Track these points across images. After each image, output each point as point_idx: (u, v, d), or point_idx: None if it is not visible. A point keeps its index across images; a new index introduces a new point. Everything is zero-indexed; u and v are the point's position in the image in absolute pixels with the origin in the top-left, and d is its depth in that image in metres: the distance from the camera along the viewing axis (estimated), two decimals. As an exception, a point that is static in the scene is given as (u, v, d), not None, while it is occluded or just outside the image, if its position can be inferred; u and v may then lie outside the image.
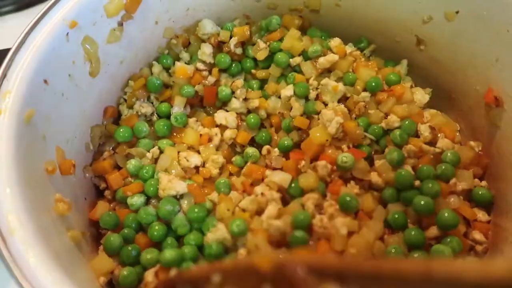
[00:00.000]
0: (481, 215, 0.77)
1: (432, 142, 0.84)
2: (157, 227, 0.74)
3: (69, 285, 0.51)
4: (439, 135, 0.85)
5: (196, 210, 0.75)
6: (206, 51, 0.95)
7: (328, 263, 0.47)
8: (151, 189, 0.78)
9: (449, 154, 0.80)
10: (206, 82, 0.94)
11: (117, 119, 0.92)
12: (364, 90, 0.89)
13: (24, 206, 0.55)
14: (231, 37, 0.96)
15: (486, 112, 0.82)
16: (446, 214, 0.73)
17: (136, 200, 0.78)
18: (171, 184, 0.75)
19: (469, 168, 0.82)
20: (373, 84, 0.88)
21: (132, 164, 0.82)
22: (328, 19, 1.01)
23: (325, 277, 0.44)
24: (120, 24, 0.84)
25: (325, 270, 0.45)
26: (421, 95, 0.91)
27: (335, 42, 0.94)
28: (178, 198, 0.77)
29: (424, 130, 0.85)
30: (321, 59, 0.91)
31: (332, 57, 0.90)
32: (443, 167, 0.78)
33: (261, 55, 0.94)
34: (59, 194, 0.67)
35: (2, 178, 0.56)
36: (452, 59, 0.87)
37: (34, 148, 0.65)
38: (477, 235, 0.75)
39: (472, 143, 0.85)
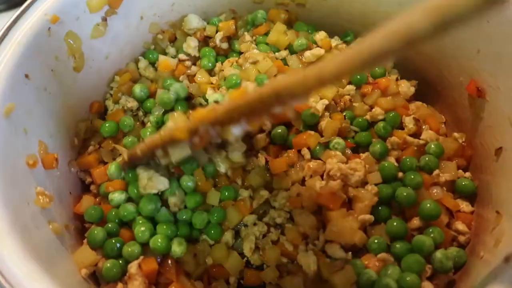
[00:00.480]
0: (465, 206, 0.77)
1: (417, 134, 0.84)
2: (142, 229, 0.74)
3: (45, 277, 0.51)
4: (423, 127, 0.85)
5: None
6: (191, 44, 0.96)
7: (219, 114, 0.61)
8: (134, 191, 0.78)
9: (432, 145, 0.80)
10: (189, 71, 0.94)
11: (103, 114, 0.93)
12: (349, 83, 0.90)
13: (4, 200, 0.55)
14: (217, 32, 0.96)
15: (469, 104, 0.82)
16: (428, 205, 0.73)
17: (117, 196, 0.78)
18: (152, 182, 0.74)
19: (453, 160, 0.82)
20: (358, 77, 0.88)
21: (113, 166, 0.81)
22: (314, 13, 1.01)
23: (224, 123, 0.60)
24: (104, 20, 0.84)
25: (220, 120, 0.60)
26: (407, 88, 0.91)
27: (320, 35, 0.94)
28: (159, 194, 0.76)
29: (409, 122, 0.85)
30: (307, 53, 0.91)
31: (317, 51, 0.90)
32: (426, 159, 0.79)
33: (245, 47, 0.94)
34: (41, 188, 0.67)
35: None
36: (437, 52, 0.87)
37: (14, 141, 0.65)
38: (460, 226, 0.75)
39: (456, 134, 0.85)
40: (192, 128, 0.64)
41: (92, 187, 0.85)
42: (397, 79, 0.93)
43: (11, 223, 0.54)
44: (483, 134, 0.79)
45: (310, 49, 0.92)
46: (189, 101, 0.93)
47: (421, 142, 0.82)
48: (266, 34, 0.97)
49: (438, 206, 0.73)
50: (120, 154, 0.87)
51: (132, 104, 0.91)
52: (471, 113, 0.82)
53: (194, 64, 0.95)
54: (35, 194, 0.66)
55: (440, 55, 0.86)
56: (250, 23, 0.99)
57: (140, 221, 0.76)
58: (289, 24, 1.00)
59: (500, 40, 0.72)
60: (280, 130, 0.82)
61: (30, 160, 0.67)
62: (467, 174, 0.82)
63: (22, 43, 0.69)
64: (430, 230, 0.73)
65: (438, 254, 0.71)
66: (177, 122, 0.72)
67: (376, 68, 0.90)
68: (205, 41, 0.98)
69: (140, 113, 0.93)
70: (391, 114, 0.85)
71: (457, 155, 0.83)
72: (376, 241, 0.73)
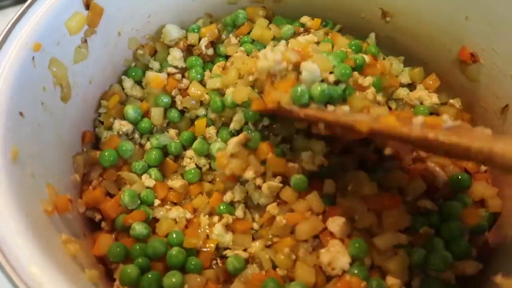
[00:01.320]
0: (482, 167, 0.80)
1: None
2: (174, 253, 0.70)
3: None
4: (418, 85, 0.91)
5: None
6: (176, 55, 0.91)
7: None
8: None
9: (421, 108, 0.86)
10: (182, 85, 0.89)
11: (95, 143, 0.85)
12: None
13: (41, 255, 0.48)
14: (201, 39, 0.92)
15: (462, 70, 0.86)
16: (459, 176, 0.76)
17: (140, 228, 0.73)
18: None
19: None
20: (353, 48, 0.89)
21: (126, 195, 0.76)
22: (291, 6, 1.00)
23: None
24: (84, 41, 0.77)
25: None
26: (396, 64, 0.93)
27: (304, 18, 0.94)
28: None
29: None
30: (300, 39, 0.90)
31: (311, 37, 0.89)
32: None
33: (232, 50, 0.91)
34: (65, 235, 0.60)
35: (11, 229, 0.48)
36: (420, 25, 0.90)
37: (27, 188, 0.57)
38: (482, 186, 0.78)
39: (451, 101, 0.88)
40: (375, 129, 0.58)
41: (103, 224, 0.78)
42: (383, 58, 0.95)
43: (62, 280, 0.47)
44: (483, 96, 0.83)
45: (298, 33, 0.92)
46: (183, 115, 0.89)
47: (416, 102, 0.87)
48: (249, 33, 0.94)
49: (469, 175, 0.76)
50: (125, 183, 0.81)
51: (127, 127, 0.84)
52: (465, 79, 0.86)
53: (183, 76, 0.90)
54: (62, 243, 0.58)
55: (424, 28, 0.89)
56: (231, 25, 0.95)
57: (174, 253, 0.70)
58: (268, 20, 0.99)
59: (488, 3, 0.76)
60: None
61: (48, 207, 0.59)
62: (471, 136, 0.85)
63: (9, 79, 0.61)
64: (459, 196, 0.76)
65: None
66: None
67: (371, 48, 0.91)
68: (188, 50, 0.93)
69: (136, 135, 0.87)
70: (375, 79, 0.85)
71: (457, 119, 0.86)
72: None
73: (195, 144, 0.84)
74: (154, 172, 0.82)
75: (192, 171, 0.83)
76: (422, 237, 0.71)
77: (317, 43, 0.88)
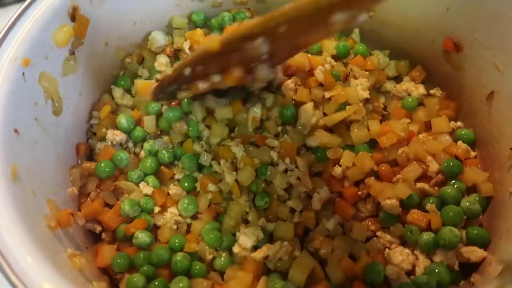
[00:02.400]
0: (472, 153, 0.83)
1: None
2: (179, 259, 0.71)
3: None
4: (404, 77, 0.93)
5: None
6: (162, 61, 0.91)
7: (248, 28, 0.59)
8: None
9: (409, 100, 0.88)
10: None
11: (89, 155, 0.84)
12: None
13: (51, 271, 0.48)
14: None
15: (447, 60, 0.88)
16: (451, 163, 0.78)
17: (142, 236, 0.73)
18: None
19: (441, 114, 0.87)
20: (341, 49, 0.91)
21: (126, 204, 0.76)
22: (274, 6, 0.98)
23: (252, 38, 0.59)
24: (72, 53, 0.77)
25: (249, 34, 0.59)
26: (382, 58, 0.95)
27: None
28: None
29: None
30: None
31: None
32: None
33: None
34: (70, 249, 0.60)
35: (20, 248, 0.48)
36: (403, 19, 0.92)
37: (30, 205, 0.57)
38: (473, 172, 0.80)
39: (432, 91, 0.90)
40: (225, 39, 0.59)
41: (104, 235, 0.77)
42: (370, 54, 0.96)
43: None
44: (468, 85, 0.85)
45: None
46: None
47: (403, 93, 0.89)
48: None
49: (459, 162, 0.78)
50: (123, 192, 0.80)
51: (121, 136, 0.84)
52: (450, 68, 0.88)
53: (172, 81, 0.90)
54: (67, 258, 0.58)
55: (407, 21, 0.91)
56: (217, 27, 0.96)
57: (179, 258, 0.71)
58: (253, 21, 0.99)
59: (468, -7, 0.78)
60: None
61: (51, 222, 0.58)
62: (459, 123, 0.88)
63: (1, 96, 0.61)
64: (451, 182, 0.78)
65: (465, 201, 0.76)
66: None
67: (359, 46, 0.93)
68: (175, 55, 0.93)
69: (130, 144, 0.86)
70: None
71: (443, 108, 0.89)
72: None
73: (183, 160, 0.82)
74: (151, 179, 0.81)
75: (186, 178, 0.82)
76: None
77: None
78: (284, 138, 0.80)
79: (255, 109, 0.78)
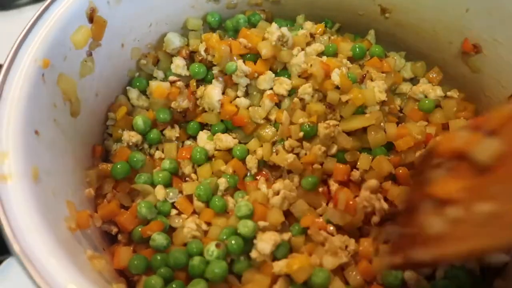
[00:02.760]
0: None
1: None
2: (196, 264, 0.69)
3: None
4: (420, 79, 0.92)
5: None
6: (179, 63, 0.90)
7: None
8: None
9: (426, 101, 0.86)
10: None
11: (104, 157, 0.85)
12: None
13: (75, 272, 0.48)
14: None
15: (464, 62, 0.87)
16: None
17: (159, 238, 0.72)
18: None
19: (458, 116, 0.86)
20: (357, 51, 0.90)
21: (143, 206, 0.75)
22: (289, 7, 1.00)
23: None
24: (90, 54, 0.77)
25: None
26: (398, 59, 0.94)
27: (307, 24, 0.95)
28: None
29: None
30: (308, 49, 0.90)
31: (319, 47, 0.90)
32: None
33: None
34: (89, 250, 0.59)
35: (43, 250, 0.48)
36: (419, 20, 0.91)
37: (51, 207, 0.57)
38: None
39: (449, 92, 0.89)
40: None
41: (120, 237, 0.77)
42: (385, 56, 0.96)
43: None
44: (487, 86, 0.84)
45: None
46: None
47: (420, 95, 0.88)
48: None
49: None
50: (138, 194, 0.80)
51: (136, 138, 0.84)
52: (467, 70, 0.87)
53: (187, 85, 0.90)
54: (87, 259, 0.58)
55: (424, 22, 0.90)
56: (232, 29, 0.96)
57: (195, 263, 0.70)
58: (268, 22, 0.99)
59: (488, -6, 0.77)
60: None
61: (71, 224, 0.58)
62: (478, 125, 0.87)
63: (22, 97, 0.60)
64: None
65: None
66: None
67: (375, 48, 0.92)
68: (190, 57, 0.93)
69: (146, 145, 0.86)
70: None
71: (460, 110, 0.88)
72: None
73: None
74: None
75: (201, 187, 0.79)
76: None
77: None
78: None
79: None
